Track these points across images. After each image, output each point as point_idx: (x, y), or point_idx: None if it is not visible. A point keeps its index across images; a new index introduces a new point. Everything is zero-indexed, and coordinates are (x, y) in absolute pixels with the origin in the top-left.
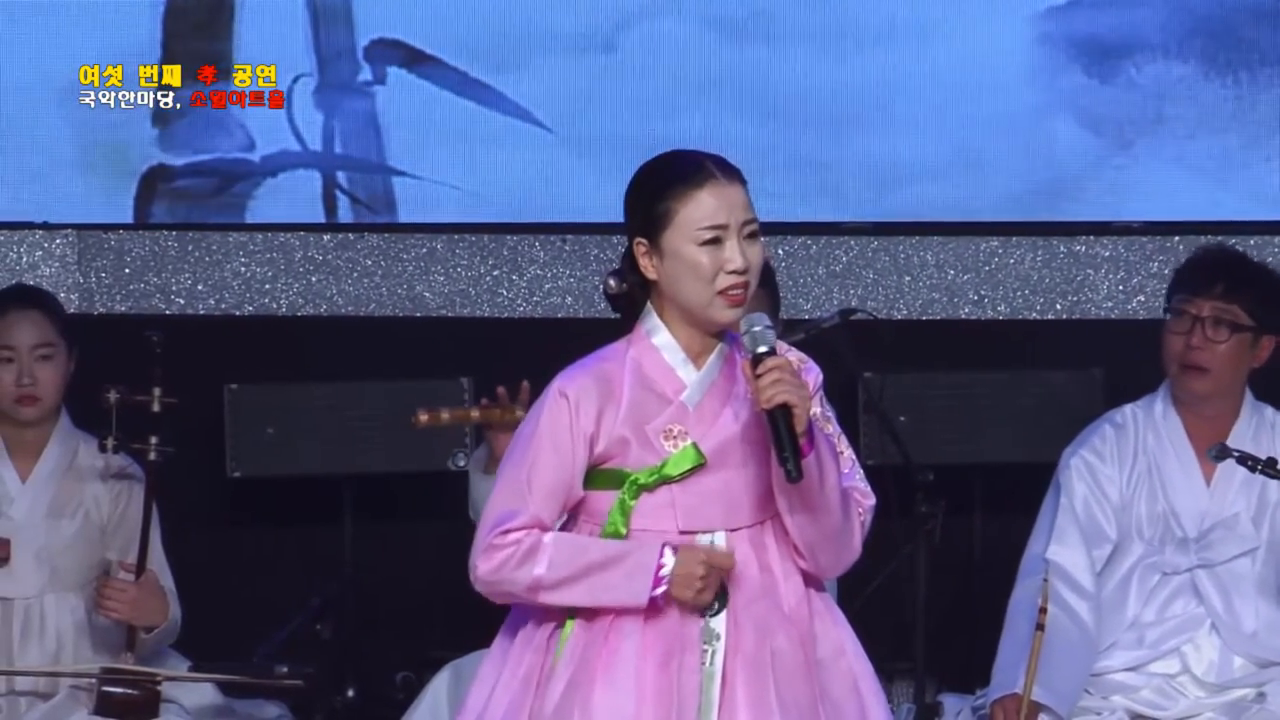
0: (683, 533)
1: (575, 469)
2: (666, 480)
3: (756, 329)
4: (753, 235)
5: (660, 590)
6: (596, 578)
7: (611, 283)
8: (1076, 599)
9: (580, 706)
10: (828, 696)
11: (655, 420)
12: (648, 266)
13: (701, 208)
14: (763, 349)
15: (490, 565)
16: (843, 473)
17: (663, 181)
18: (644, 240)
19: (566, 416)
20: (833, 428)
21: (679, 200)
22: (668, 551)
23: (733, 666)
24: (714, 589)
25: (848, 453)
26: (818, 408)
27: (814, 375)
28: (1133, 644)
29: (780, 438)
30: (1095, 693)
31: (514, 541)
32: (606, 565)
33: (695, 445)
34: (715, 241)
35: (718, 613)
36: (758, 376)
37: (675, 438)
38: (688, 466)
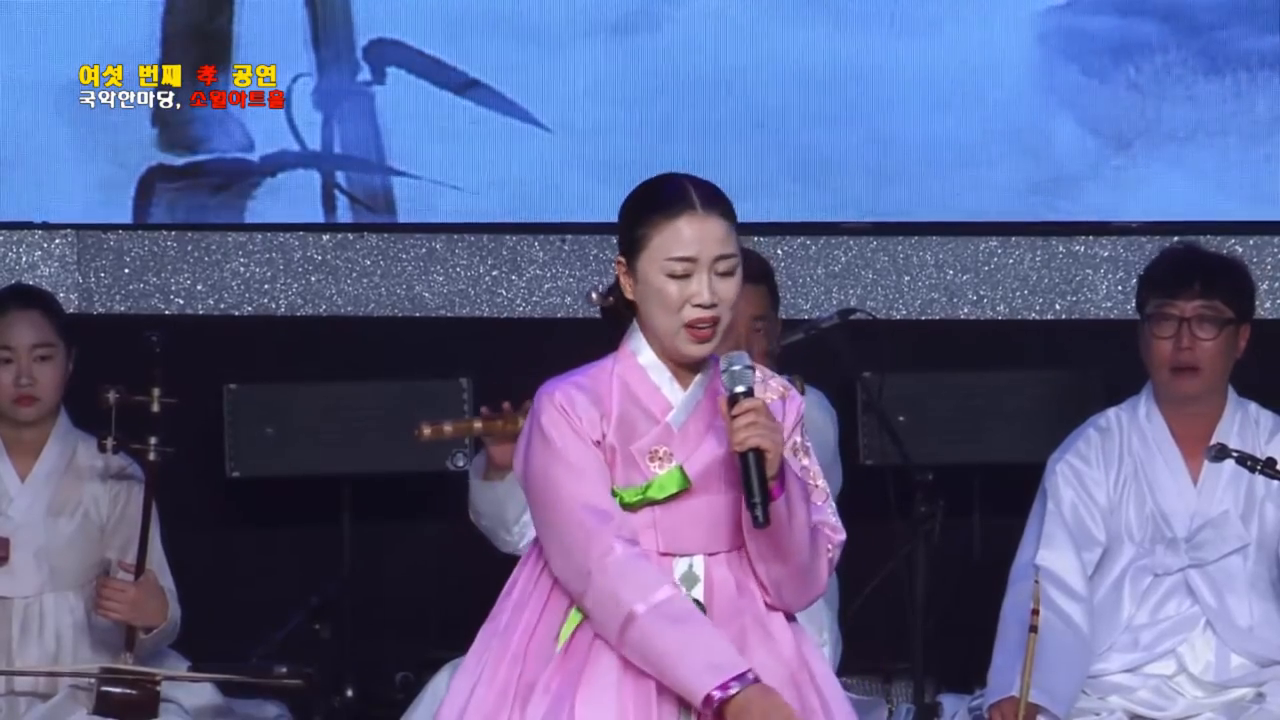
0: (662, 554)
1: (602, 460)
2: (651, 502)
3: (736, 368)
4: (728, 271)
5: (721, 696)
6: (688, 645)
7: (594, 296)
8: (1069, 602)
9: None
10: (823, 707)
11: (641, 440)
12: (626, 286)
13: (673, 238)
14: (740, 389)
15: (607, 577)
16: (815, 505)
17: (644, 206)
18: (623, 260)
19: (569, 422)
20: (809, 460)
21: (654, 227)
22: (751, 683)
23: None
24: None
25: (822, 484)
26: (797, 437)
27: (796, 405)
28: (1128, 646)
29: (750, 482)
30: (1092, 693)
31: (623, 553)
32: (701, 642)
33: (681, 468)
34: (684, 274)
35: None
36: (733, 417)
37: (661, 459)
38: (673, 490)
